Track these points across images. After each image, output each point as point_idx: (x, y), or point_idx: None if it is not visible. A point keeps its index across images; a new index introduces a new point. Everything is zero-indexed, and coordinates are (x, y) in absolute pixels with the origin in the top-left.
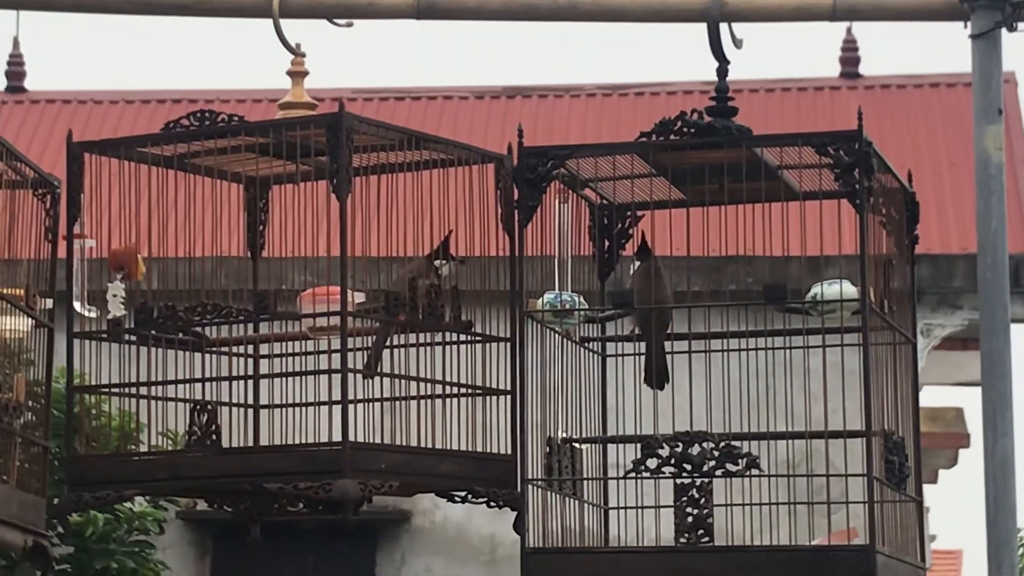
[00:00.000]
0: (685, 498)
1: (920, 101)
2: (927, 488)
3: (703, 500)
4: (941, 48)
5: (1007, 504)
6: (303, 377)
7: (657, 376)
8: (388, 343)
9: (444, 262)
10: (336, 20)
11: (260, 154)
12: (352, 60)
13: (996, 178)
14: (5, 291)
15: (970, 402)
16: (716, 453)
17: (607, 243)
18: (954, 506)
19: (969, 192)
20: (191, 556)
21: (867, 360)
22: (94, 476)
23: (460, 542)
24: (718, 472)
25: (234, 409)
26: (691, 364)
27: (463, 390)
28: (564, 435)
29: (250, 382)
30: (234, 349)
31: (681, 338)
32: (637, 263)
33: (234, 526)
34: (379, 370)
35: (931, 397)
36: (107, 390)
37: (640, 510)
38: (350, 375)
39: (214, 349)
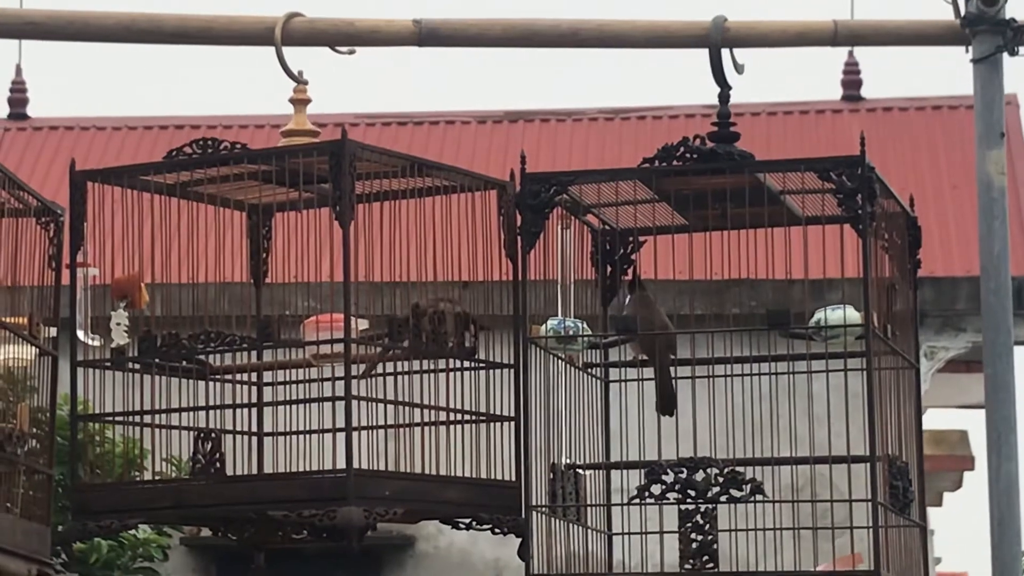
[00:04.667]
0: (689, 524)
1: (922, 124)
2: (932, 511)
3: (707, 526)
4: (943, 71)
5: (1012, 528)
6: (307, 404)
7: (666, 402)
8: (392, 368)
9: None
10: (338, 48)
11: (263, 181)
12: (354, 86)
13: (998, 201)
14: (9, 320)
15: (974, 425)
16: (720, 479)
17: (610, 268)
18: (959, 528)
19: (972, 214)
20: None
21: (871, 385)
22: (98, 504)
23: (465, 568)
24: (722, 498)
25: (238, 437)
26: (694, 389)
27: (467, 416)
28: (568, 461)
29: (254, 410)
30: (238, 377)
31: (685, 363)
32: (628, 295)
33: (238, 552)
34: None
35: (935, 420)
36: (111, 418)
37: (644, 536)
38: (354, 402)
39: (218, 377)
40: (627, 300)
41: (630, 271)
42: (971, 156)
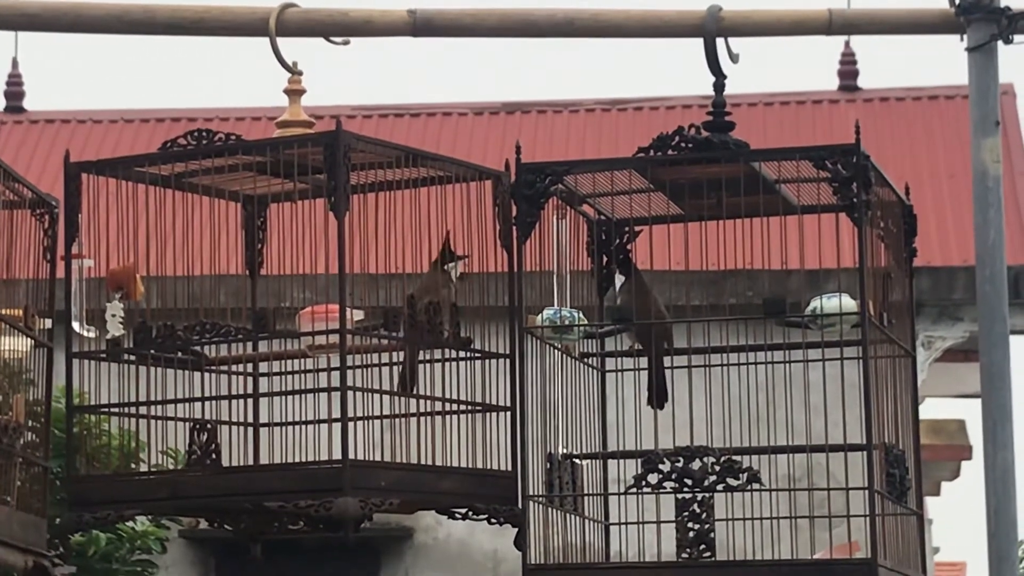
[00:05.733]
0: (686, 513)
1: (919, 113)
2: (930, 500)
3: (704, 515)
4: (939, 60)
5: (1008, 516)
6: (303, 395)
7: (657, 395)
8: (388, 359)
9: (453, 265)
10: (333, 38)
11: (258, 172)
12: (350, 77)
13: (994, 190)
14: (4, 311)
15: (972, 414)
16: (717, 468)
17: (605, 258)
18: (957, 518)
19: (968, 204)
20: (194, 575)
21: (867, 373)
22: (94, 496)
23: (463, 558)
24: (719, 487)
25: (234, 428)
26: (691, 379)
27: (463, 407)
28: (564, 451)
29: (250, 400)
30: (233, 368)
31: (681, 353)
32: (622, 279)
33: (237, 545)
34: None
35: (933, 409)
36: (107, 410)
37: (641, 525)
38: (349, 393)
39: (213, 368)
40: (620, 286)
41: (634, 255)
42: (968, 146)
